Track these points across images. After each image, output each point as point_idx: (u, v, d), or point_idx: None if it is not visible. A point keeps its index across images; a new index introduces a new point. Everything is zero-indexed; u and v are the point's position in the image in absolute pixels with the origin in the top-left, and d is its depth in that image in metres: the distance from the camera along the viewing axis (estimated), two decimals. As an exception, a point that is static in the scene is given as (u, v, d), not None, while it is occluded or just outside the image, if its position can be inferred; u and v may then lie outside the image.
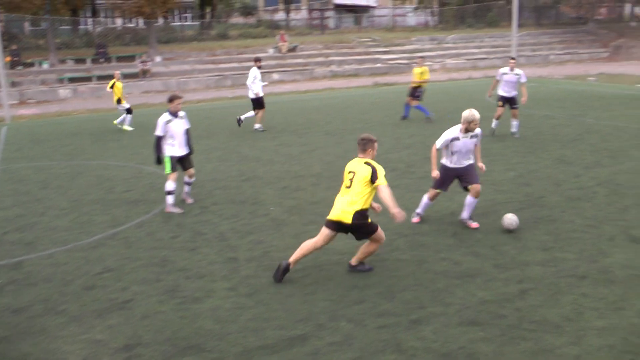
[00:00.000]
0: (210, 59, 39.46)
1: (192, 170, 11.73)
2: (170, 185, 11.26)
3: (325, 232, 8.19)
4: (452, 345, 6.42)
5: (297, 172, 14.03)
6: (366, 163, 8.01)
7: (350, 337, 6.63)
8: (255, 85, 19.28)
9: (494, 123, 17.96)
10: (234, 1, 65.15)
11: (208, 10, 57.08)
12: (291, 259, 8.21)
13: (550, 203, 11.29)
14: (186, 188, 11.97)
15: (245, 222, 10.67)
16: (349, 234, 8.18)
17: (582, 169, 13.66)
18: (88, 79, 34.83)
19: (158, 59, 38.59)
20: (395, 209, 7.76)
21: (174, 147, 11.28)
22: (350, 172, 8.12)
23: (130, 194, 12.86)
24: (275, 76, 37.01)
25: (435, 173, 9.94)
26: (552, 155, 15.12)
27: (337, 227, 8.11)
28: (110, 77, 22.65)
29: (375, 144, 8.27)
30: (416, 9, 61.75)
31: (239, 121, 19.94)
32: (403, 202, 11.38)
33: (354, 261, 8.52)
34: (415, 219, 10.47)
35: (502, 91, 17.64)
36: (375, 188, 7.91)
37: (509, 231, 9.74)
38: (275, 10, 62.46)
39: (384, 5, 64.59)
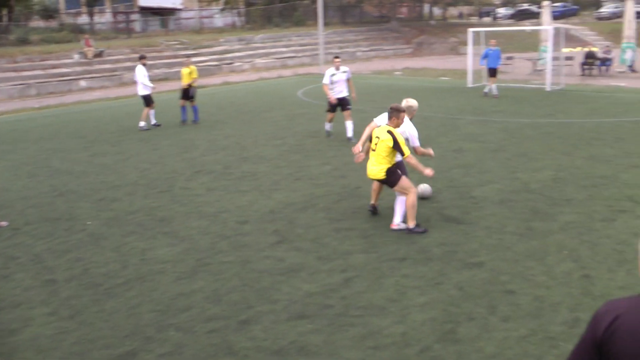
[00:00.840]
0: (11, 67, 36.85)
1: None
2: None
3: (374, 184, 10.22)
4: (282, 341, 6.46)
5: (112, 183, 13.54)
6: (388, 131, 9.34)
7: (180, 346, 6.49)
8: (144, 82, 20.23)
9: (327, 126, 17.25)
10: (33, 3, 61.74)
11: (4, 12, 53.76)
12: (373, 201, 10.35)
13: (367, 193, 11.61)
14: None
15: (62, 240, 10.12)
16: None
17: (394, 158, 14.22)
18: None
19: (-49, 68, 35.79)
20: (426, 170, 9.37)
21: None
22: (376, 137, 9.53)
23: None
24: (83, 83, 35.52)
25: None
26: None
27: (378, 180, 9.83)
28: None
29: (401, 114, 9.48)
30: (223, 10, 61.67)
31: (155, 125, 20.70)
32: (223, 203, 11.38)
33: (410, 225, 9.47)
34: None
35: (334, 92, 16.44)
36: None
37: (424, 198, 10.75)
38: (78, 14, 59.96)
39: (190, 7, 63.99)
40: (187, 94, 20.74)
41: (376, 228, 9.68)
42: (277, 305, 7.28)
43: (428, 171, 9.40)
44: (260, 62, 43.63)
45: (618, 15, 57.64)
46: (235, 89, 31.00)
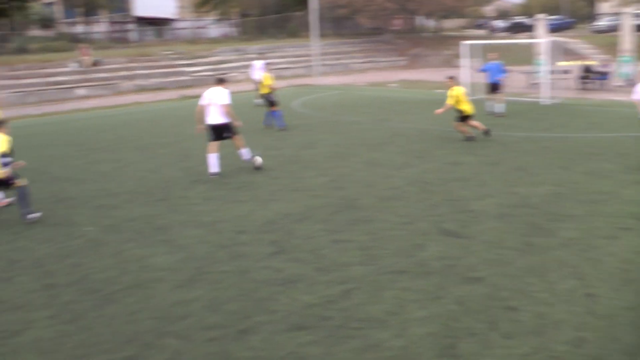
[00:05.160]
0: (10, 74, 36.71)
1: None
2: None
3: None
4: (281, 351, 6.47)
5: (110, 190, 13.55)
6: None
7: (178, 354, 6.50)
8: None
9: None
10: (31, 13, 61.66)
11: (4, 21, 53.63)
12: None
13: (365, 204, 11.68)
14: None
15: (62, 245, 10.14)
16: None
17: (393, 170, 14.26)
18: None
19: (-49, 75, 35.69)
20: None
21: None
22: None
23: None
24: (80, 91, 35.65)
25: None
26: (363, 159, 15.66)
27: None
28: None
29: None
30: (217, 20, 61.70)
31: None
32: (220, 213, 11.38)
33: None
34: None
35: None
36: None
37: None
38: (75, 23, 59.99)
39: (185, 17, 64.06)
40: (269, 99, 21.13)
41: (374, 240, 9.68)
42: (276, 315, 7.29)
43: None
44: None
45: (615, 28, 57.76)
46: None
